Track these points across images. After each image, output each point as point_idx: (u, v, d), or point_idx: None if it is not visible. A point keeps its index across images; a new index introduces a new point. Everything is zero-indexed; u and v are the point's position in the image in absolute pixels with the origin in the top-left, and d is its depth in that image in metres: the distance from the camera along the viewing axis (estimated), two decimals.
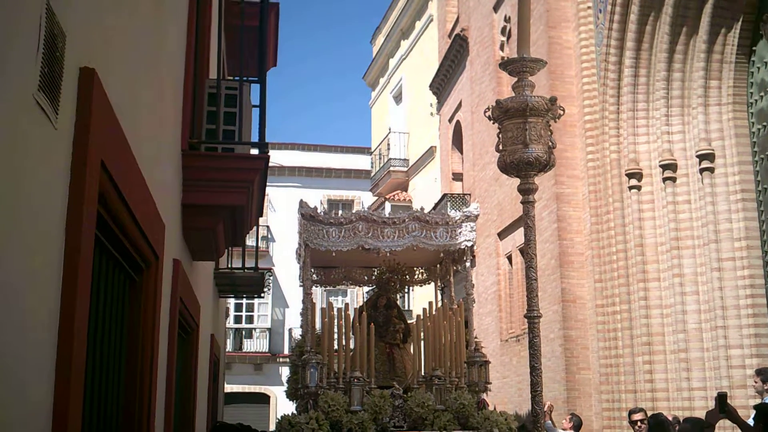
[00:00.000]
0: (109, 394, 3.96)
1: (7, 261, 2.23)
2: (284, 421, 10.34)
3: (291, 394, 12.25)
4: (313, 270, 11.92)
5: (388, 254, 11.43)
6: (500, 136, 5.05)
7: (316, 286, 13.45)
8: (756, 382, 9.16)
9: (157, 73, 4.94)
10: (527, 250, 5.18)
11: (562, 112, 5.19)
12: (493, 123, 5.11)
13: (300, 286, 11.87)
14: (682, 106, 14.25)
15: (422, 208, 12.12)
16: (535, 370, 5.03)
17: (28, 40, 2.33)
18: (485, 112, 5.13)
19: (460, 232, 11.46)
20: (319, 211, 11.33)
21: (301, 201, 11.35)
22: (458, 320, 11.36)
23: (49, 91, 2.49)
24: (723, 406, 7.25)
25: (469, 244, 11.64)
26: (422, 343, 11.59)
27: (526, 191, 5.14)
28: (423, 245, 11.32)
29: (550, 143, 5.03)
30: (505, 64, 5.12)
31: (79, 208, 2.80)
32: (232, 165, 6.66)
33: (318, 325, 11.61)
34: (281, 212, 34.49)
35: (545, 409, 11.83)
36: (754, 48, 13.50)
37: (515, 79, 5.16)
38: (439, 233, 11.38)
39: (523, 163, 4.95)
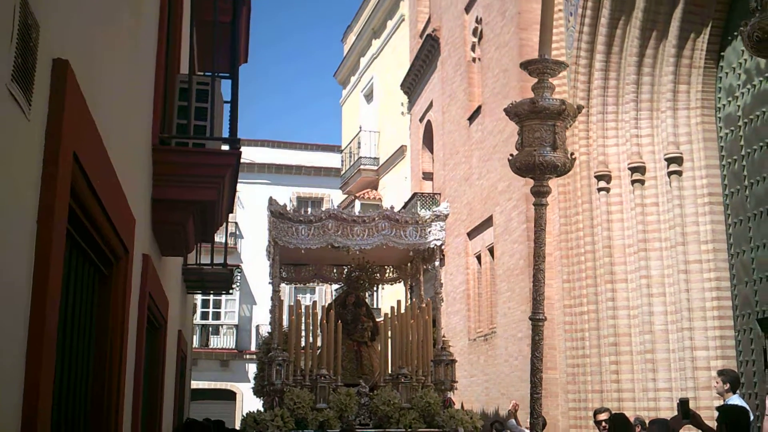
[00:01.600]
0: (78, 388, 3.93)
1: None
2: (249, 418, 10.34)
3: (258, 391, 12.24)
4: (282, 267, 11.91)
5: (357, 252, 11.44)
6: (520, 135, 4.99)
7: (286, 284, 13.44)
8: (717, 383, 9.25)
9: (128, 66, 4.91)
10: (537, 252, 5.11)
11: (579, 111, 5.14)
12: (515, 122, 5.04)
13: (269, 283, 11.85)
14: (651, 109, 14.37)
15: (392, 207, 12.16)
16: (535, 371, 5.03)
17: (2, 30, 2.31)
18: (505, 110, 5.07)
19: (429, 231, 11.51)
20: (288, 208, 11.33)
21: (271, 198, 11.33)
22: (426, 319, 11.40)
23: (23, 82, 2.47)
24: (686, 413, 7.30)
25: (439, 243, 11.70)
26: (390, 341, 11.62)
27: (540, 194, 5.09)
28: (393, 244, 11.36)
29: (566, 148, 4.99)
30: (526, 65, 5.06)
31: (51, 200, 2.78)
32: (203, 161, 6.63)
33: (285, 323, 11.60)
34: (250, 209, 34.37)
35: (510, 408, 11.92)
36: (722, 53, 13.64)
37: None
38: (408, 232, 11.42)
39: (539, 166, 4.90)
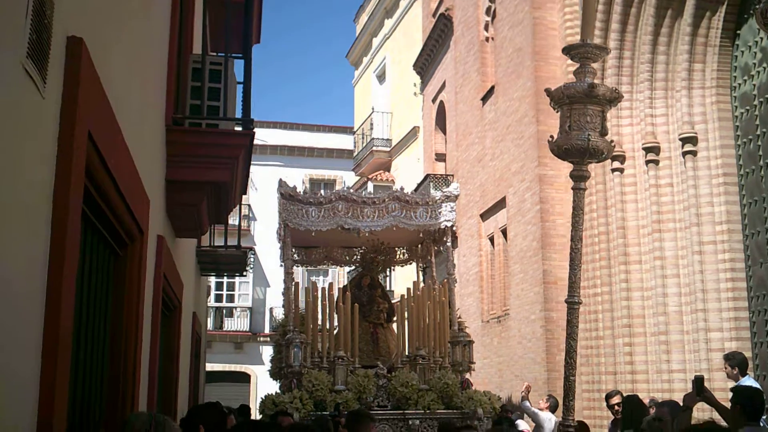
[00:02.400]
0: (95, 368, 3.93)
1: None
2: (268, 400, 10.33)
3: (274, 374, 12.23)
4: (294, 250, 11.89)
5: (368, 234, 11.40)
6: (567, 118, 4.95)
7: (298, 266, 13.43)
8: (726, 367, 9.17)
9: (142, 46, 4.88)
10: (574, 235, 5.11)
11: (621, 99, 5.10)
12: (555, 108, 5.01)
13: (280, 265, 11.83)
14: (666, 89, 14.26)
15: (402, 188, 12.10)
16: (571, 352, 5.05)
17: (17, 7, 2.29)
18: (549, 92, 5.03)
19: (440, 212, 11.45)
20: (299, 190, 11.30)
21: (281, 180, 11.29)
22: (442, 300, 11.37)
23: (37, 59, 2.44)
24: (700, 390, 7.27)
25: (449, 224, 11.63)
26: (406, 322, 11.59)
27: (580, 178, 5.06)
28: (403, 225, 11.30)
29: (602, 131, 4.95)
30: (569, 49, 5.03)
31: (66, 179, 2.76)
32: (216, 141, 6.61)
33: (302, 305, 11.59)
34: (263, 191, 34.35)
35: (523, 390, 11.90)
36: (738, 32, 13.51)
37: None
38: (419, 213, 11.36)
39: (588, 150, 4.87)
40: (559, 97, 4.95)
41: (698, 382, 7.34)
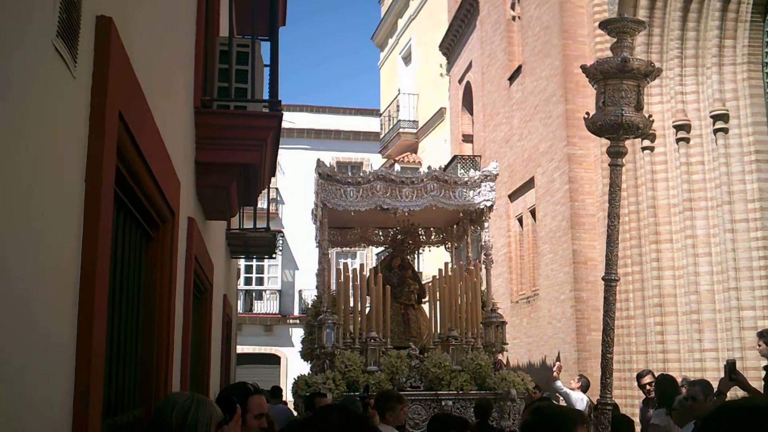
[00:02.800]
0: (129, 350, 3.95)
1: (28, 210, 2.19)
2: (301, 381, 10.36)
3: (306, 355, 12.26)
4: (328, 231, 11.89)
5: (406, 214, 11.34)
6: (602, 94, 4.91)
7: (331, 247, 13.45)
8: (760, 345, 9.07)
9: (170, 28, 4.87)
10: (612, 212, 5.13)
11: (659, 74, 5.05)
12: (593, 85, 4.97)
13: (316, 246, 11.81)
14: (696, 65, 14.09)
15: (441, 167, 12.02)
16: (608, 330, 5.08)
17: None
18: (585, 68, 5.00)
19: (479, 192, 11.37)
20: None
21: (319, 160, 11.26)
22: (474, 281, 11.33)
23: (68, 38, 2.43)
24: (732, 374, 7.23)
25: (489, 203, 11.55)
26: (437, 303, 11.55)
27: (617, 154, 5.03)
28: (442, 205, 11.23)
29: (638, 106, 4.91)
30: (605, 24, 4.99)
31: (98, 159, 2.75)
32: (245, 123, 6.60)
33: (333, 286, 11.61)
34: (290, 174, 34.41)
35: (554, 369, 11.86)
36: None
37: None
38: (458, 193, 11.29)
39: (624, 125, 4.83)
40: (593, 73, 4.90)
41: (730, 366, 7.29)
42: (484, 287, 11.91)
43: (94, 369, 2.70)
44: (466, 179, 11.42)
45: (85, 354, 2.65)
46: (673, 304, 13.87)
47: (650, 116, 4.97)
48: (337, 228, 12.77)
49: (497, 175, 11.83)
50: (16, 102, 2.06)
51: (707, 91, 13.86)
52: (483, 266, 11.78)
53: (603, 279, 5.17)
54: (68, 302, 2.59)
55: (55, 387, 2.48)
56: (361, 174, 11.27)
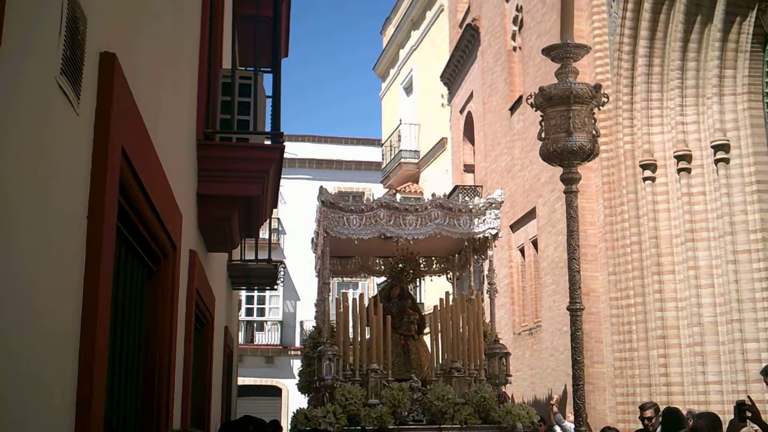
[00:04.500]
0: (129, 383, 3.92)
1: (31, 247, 2.17)
2: (300, 414, 10.14)
3: (303, 387, 12.06)
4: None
5: (410, 242, 11.19)
6: (543, 123, 4.90)
7: (332, 277, 13.36)
8: (765, 383, 8.94)
9: (173, 61, 4.89)
10: (570, 242, 5.03)
11: (606, 100, 5.05)
12: (536, 110, 4.96)
13: (316, 276, 11.70)
14: (697, 96, 14.11)
15: (445, 194, 11.91)
16: (577, 364, 4.98)
17: (51, 23, 2.28)
18: (527, 99, 4.99)
19: (483, 220, 11.26)
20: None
21: (321, 188, 11.14)
22: (476, 311, 11.20)
23: (71, 75, 2.43)
24: (742, 417, 7.15)
25: (494, 231, 11.42)
26: (438, 334, 11.38)
27: (569, 181, 4.98)
28: (446, 233, 11.07)
29: (594, 132, 4.89)
30: (549, 50, 4.98)
31: (101, 195, 2.74)
32: (247, 155, 6.61)
33: (332, 317, 11.49)
34: (291, 204, 34.44)
35: (554, 401, 11.77)
36: None
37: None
38: (462, 221, 11.14)
39: (567, 152, 4.80)
40: (539, 102, 4.91)
41: (739, 408, 7.21)
42: (487, 318, 11.81)
43: (95, 409, 2.68)
44: (470, 207, 11.29)
45: (86, 394, 2.62)
46: (676, 336, 13.79)
47: (596, 135, 4.94)
48: (337, 257, 12.66)
49: (502, 202, 11.70)
50: (19, 139, 2.05)
51: (708, 121, 13.87)
52: (486, 296, 11.67)
53: (567, 309, 5.12)
54: (70, 341, 2.57)
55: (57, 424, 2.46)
56: (365, 201, 11.17)
